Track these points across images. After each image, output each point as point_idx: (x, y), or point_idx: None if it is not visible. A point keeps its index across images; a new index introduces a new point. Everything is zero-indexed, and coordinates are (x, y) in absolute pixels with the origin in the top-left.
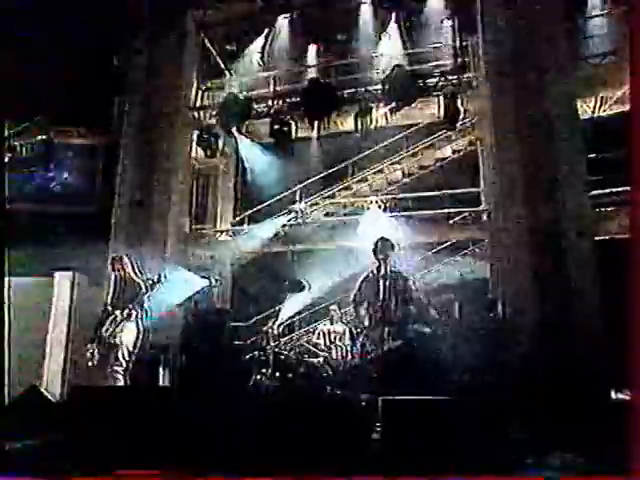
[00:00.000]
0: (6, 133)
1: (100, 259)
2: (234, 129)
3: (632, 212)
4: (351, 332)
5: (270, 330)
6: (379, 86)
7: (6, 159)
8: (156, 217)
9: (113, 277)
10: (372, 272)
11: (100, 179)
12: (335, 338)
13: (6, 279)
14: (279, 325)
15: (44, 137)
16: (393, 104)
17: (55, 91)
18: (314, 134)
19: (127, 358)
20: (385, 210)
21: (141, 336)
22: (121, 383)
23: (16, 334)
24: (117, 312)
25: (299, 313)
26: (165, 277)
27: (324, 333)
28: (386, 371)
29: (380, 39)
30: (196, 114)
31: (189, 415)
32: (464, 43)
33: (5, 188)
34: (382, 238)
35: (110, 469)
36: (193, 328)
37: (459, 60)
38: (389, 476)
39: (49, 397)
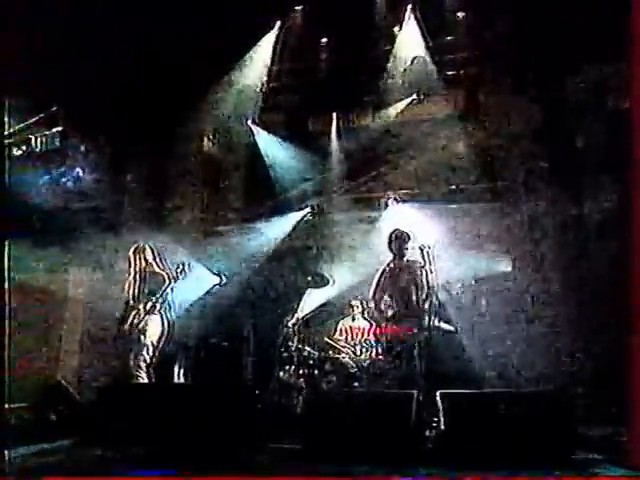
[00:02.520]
0: (20, 125)
1: (114, 254)
2: (249, 122)
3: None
4: (376, 328)
5: (291, 327)
6: (397, 78)
7: (20, 152)
8: (169, 212)
9: (133, 268)
10: (388, 265)
11: (112, 173)
12: (357, 334)
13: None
14: (300, 321)
15: (59, 129)
16: (413, 96)
17: (70, 83)
18: (332, 127)
19: (151, 353)
20: (404, 204)
21: (166, 330)
22: (145, 380)
23: (31, 332)
24: (140, 305)
25: (320, 309)
26: (189, 267)
27: (346, 329)
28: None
29: (397, 30)
30: (210, 107)
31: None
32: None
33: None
34: (396, 230)
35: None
36: (210, 325)
37: (479, 52)
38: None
39: (75, 395)
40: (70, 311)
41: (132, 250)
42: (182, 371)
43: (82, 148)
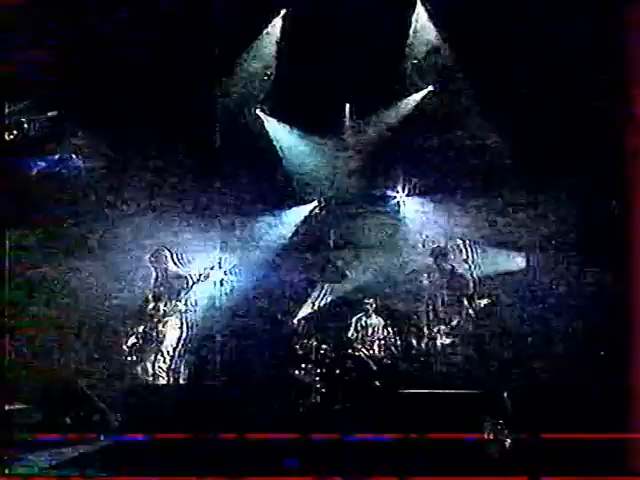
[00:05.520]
0: (12, 108)
1: (115, 248)
2: (258, 110)
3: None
4: (393, 326)
5: (305, 322)
6: (413, 69)
7: (11, 137)
8: (174, 204)
9: (153, 270)
10: (430, 270)
11: (118, 163)
12: (374, 331)
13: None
14: (314, 318)
15: (54, 114)
16: (430, 88)
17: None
18: (346, 118)
19: (171, 354)
20: (418, 198)
21: (185, 332)
22: (164, 381)
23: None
24: (160, 305)
25: (334, 305)
26: (212, 269)
27: (362, 326)
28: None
29: (410, 19)
30: (218, 95)
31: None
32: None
33: None
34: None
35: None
36: (219, 324)
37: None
38: None
39: (92, 396)
40: (81, 308)
41: (151, 253)
42: (187, 370)
43: (83, 136)
